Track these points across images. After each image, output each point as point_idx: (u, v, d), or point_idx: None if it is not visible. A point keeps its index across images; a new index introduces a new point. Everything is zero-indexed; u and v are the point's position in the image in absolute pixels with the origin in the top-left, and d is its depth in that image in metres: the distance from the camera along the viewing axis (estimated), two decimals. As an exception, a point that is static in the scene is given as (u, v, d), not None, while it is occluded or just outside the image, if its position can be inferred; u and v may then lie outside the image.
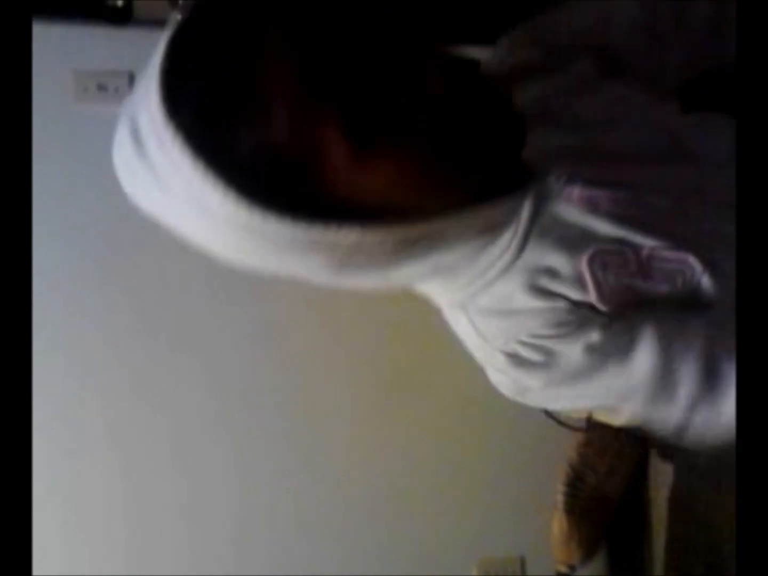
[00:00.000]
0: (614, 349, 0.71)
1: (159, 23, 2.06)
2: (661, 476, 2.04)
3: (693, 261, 0.72)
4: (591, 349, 0.71)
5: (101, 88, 1.97)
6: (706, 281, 0.72)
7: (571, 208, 0.71)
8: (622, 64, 0.85)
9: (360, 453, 2.06)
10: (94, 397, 1.95)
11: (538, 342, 0.72)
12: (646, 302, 0.73)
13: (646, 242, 0.71)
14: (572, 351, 0.71)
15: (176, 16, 0.57)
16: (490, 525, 2.11)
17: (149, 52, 2.17)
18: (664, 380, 0.72)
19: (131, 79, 1.99)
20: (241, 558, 2.02)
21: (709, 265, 0.72)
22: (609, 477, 2.03)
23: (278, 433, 2.03)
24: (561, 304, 0.72)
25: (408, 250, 0.67)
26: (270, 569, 2.02)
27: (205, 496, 2.01)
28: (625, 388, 0.74)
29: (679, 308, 0.73)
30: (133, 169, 0.64)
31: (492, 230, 0.71)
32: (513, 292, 0.72)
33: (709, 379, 0.71)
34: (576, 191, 0.71)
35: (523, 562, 2.16)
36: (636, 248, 0.71)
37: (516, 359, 0.74)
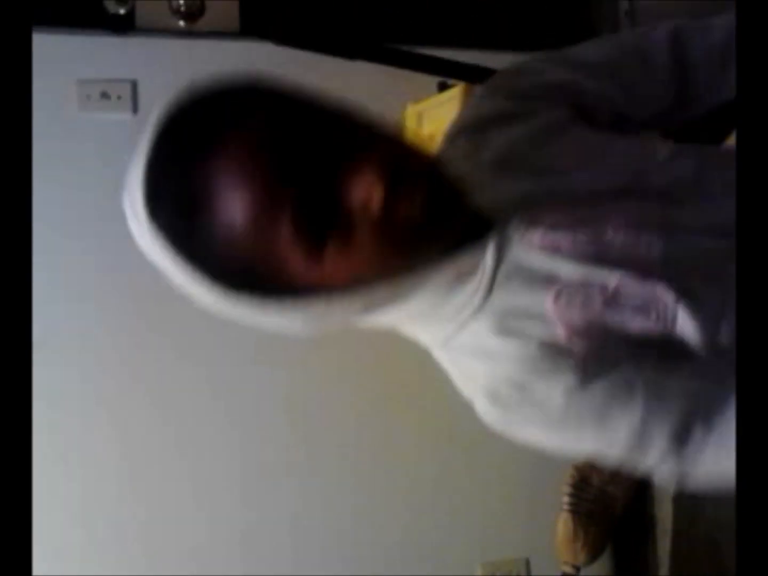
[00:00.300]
0: (590, 406, 0.72)
1: (161, 31, 2.08)
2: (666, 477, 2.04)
3: (662, 292, 0.72)
4: (569, 393, 0.72)
5: (104, 96, 1.99)
6: (682, 313, 0.72)
7: (533, 252, 0.74)
8: (593, 109, 0.87)
9: (365, 455, 2.07)
10: (101, 401, 1.96)
11: (517, 385, 0.74)
12: (627, 347, 0.73)
13: (611, 278, 0.73)
14: (551, 394, 0.72)
15: (150, 130, 0.65)
16: (494, 526, 2.11)
17: (151, 60, 2.19)
18: (638, 440, 0.72)
19: (134, 87, 2.00)
20: (246, 559, 2.02)
21: (684, 295, 0.72)
22: (614, 478, 2.03)
23: (283, 437, 2.03)
24: (532, 346, 0.73)
25: (376, 308, 0.73)
26: (274, 570, 2.02)
27: (208, 498, 2.03)
28: (600, 442, 0.75)
29: (663, 359, 0.73)
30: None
31: (458, 280, 0.74)
32: (486, 335, 0.75)
33: (681, 439, 0.72)
34: (537, 236, 0.74)
35: (527, 564, 2.16)
36: (601, 285, 0.73)
37: (498, 401, 0.75)
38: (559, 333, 0.73)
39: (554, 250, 0.74)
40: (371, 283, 0.69)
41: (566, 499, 2.02)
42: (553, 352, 0.73)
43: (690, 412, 0.72)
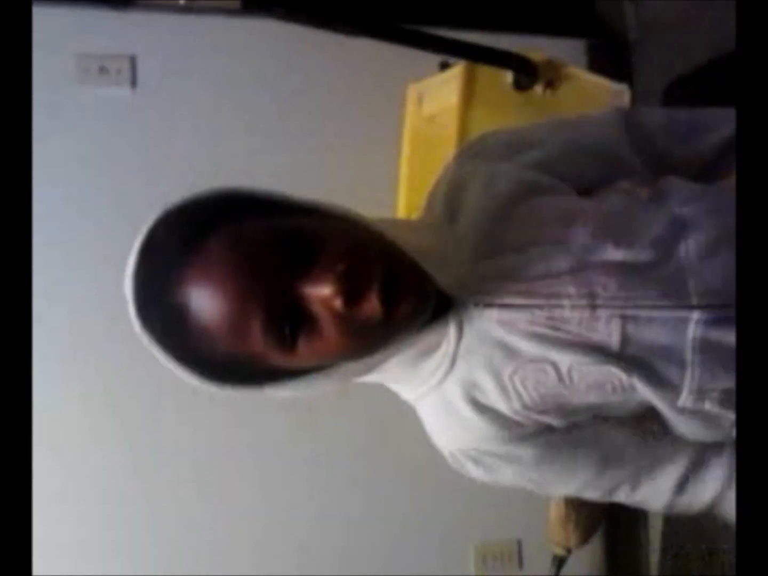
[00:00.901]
0: (553, 465, 0.84)
1: (160, 7, 2.06)
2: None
3: (616, 370, 0.77)
4: (534, 457, 0.83)
5: (103, 70, 1.97)
6: (639, 384, 0.77)
7: (491, 328, 0.78)
8: (561, 173, 0.88)
9: (358, 437, 2.07)
10: (106, 402, 1.96)
11: (489, 453, 0.83)
12: (584, 414, 0.82)
13: (564, 358, 0.77)
14: (521, 454, 0.83)
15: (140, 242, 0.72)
16: (487, 508, 2.12)
17: (150, 35, 2.17)
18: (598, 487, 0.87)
19: (133, 62, 1.99)
20: (252, 551, 2.04)
21: (639, 369, 0.77)
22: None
23: (286, 426, 2.01)
24: (496, 420, 0.81)
25: (353, 378, 0.81)
26: (273, 548, 2.04)
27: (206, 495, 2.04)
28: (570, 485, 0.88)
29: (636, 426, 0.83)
30: None
31: (424, 353, 0.80)
32: (456, 399, 0.82)
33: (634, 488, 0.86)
34: (494, 314, 0.78)
35: (520, 545, 2.17)
36: (555, 364, 0.78)
37: (470, 459, 0.85)
38: (514, 404, 0.80)
39: (511, 328, 0.78)
40: (343, 362, 0.77)
41: (559, 481, 2.03)
42: (514, 423, 0.81)
43: (640, 467, 0.84)
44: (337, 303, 0.68)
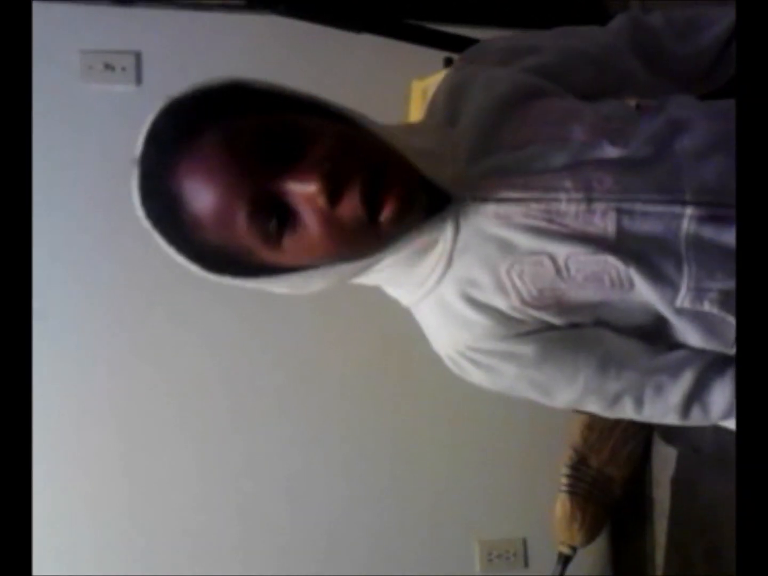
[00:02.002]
0: (555, 361, 0.82)
1: (165, 3, 2.05)
2: (665, 459, 2.05)
3: (613, 261, 0.77)
4: (535, 353, 0.81)
5: (108, 67, 1.97)
6: (637, 278, 0.77)
7: (488, 223, 0.78)
8: (559, 79, 0.89)
9: (366, 435, 2.07)
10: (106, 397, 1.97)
11: (486, 351, 0.82)
12: (584, 312, 0.81)
13: (561, 250, 0.78)
14: (521, 350, 0.82)
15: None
16: (492, 506, 2.12)
17: (155, 32, 2.17)
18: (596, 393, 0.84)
19: (138, 58, 1.99)
20: (247, 535, 2.05)
21: (636, 262, 0.77)
22: (612, 459, 2.04)
23: (289, 411, 2.04)
24: (494, 316, 0.81)
25: (347, 278, 0.81)
26: (275, 535, 2.05)
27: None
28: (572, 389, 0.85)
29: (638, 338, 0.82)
30: None
31: (420, 252, 0.80)
32: (452, 299, 0.82)
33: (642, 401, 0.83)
34: (491, 209, 0.78)
35: (525, 544, 2.17)
36: (552, 256, 0.78)
37: (469, 360, 0.83)
38: (512, 299, 0.80)
39: (507, 222, 0.78)
40: (333, 261, 0.76)
41: (564, 480, 2.03)
42: (513, 321, 0.81)
43: (645, 377, 0.82)
44: (320, 201, 0.69)
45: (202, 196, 0.71)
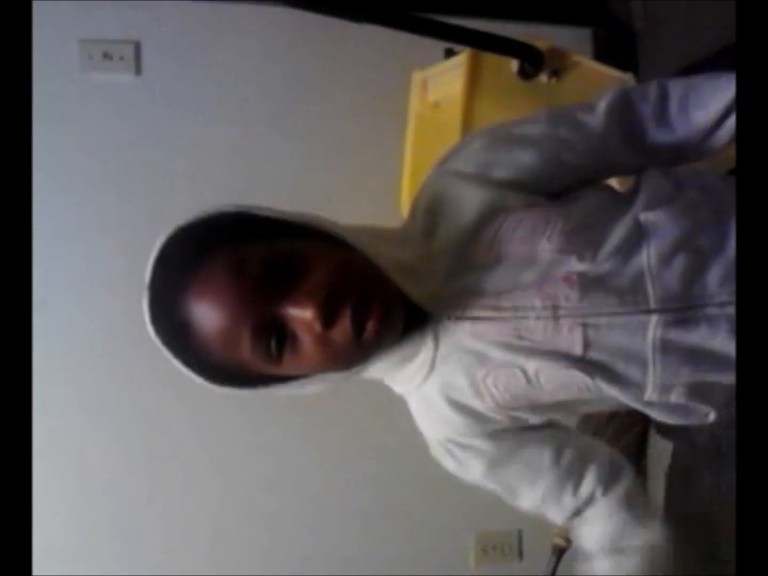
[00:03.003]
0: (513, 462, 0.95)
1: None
2: (660, 453, 2.05)
3: (579, 374, 0.84)
4: (501, 450, 0.94)
5: (107, 56, 1.97)
6: (603, 385, 0.84)
7: (464, 338, 0.86)
8: (533, 187, 0.91)
9: (360, 428, 2.07)
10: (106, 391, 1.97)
11: (463, 446, 0.94)
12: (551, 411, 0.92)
13: (531, 364, 0.85)
14: (487, 449, 0.93)
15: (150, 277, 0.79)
16: (487, 498, 2.10)
17: (155, 22, 2.16)
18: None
19: (137, 48, 1.98)
20: (249, 533, 2.06)
21: (602, 372, 0.84)
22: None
23: (288, 420, 2.00)
24: (471, 415, 0.90)
25: (336, 383, 0.88)
26: (269, 532, 2.05)
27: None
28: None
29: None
30: None
31: (404, 359, 0.89)
32: (436, 397, 0.91)
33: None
34: (467, 326, 0.86)
35: (520, 536, 2.18)
36: (522, 368, 0.85)
37: (446, 450, 0.95)
38: (490, 405, 0.89)
39: (483, 337, 0.85)
40: (324, 371, 0.85)
41: (560, 472, 2.03)
42: (489, 420, 0.91)
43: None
44: (316, 326, 0.77)
45: (208, 321, 0.78)
